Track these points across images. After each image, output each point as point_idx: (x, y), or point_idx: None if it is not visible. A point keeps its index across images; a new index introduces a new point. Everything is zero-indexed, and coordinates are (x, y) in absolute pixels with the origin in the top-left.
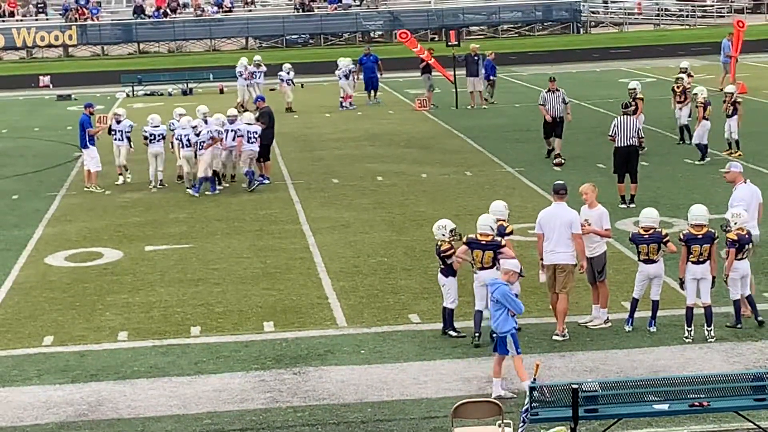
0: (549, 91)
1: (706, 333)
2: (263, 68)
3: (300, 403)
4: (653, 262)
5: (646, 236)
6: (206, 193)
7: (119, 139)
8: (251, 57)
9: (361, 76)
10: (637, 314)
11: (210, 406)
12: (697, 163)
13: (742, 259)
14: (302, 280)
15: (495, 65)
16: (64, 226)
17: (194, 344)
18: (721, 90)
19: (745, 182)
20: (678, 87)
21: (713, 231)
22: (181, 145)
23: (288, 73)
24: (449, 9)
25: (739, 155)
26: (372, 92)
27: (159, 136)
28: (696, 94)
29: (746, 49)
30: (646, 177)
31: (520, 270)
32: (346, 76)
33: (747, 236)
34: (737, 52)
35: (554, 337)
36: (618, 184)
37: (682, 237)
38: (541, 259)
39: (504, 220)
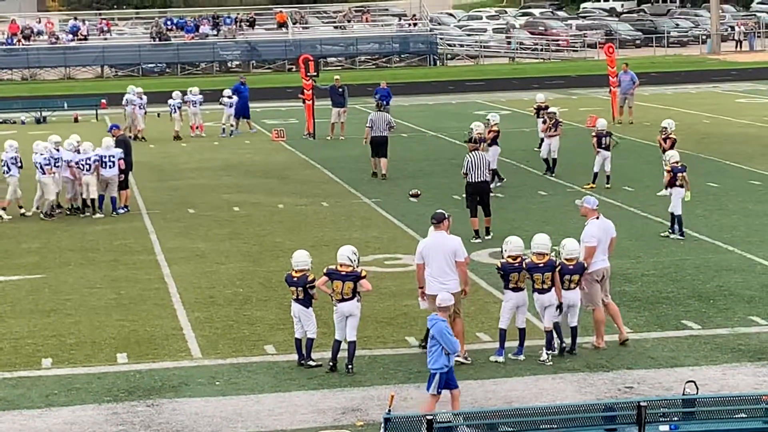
0: (378, 110)
1: (544, 356)
2: (144, 98)
3: None
4: (521, 290)
5: (516, 264)
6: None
7: None
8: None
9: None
10: (491, 345)
11: None
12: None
13: (568, 289)
14: (157, 311)
15: None
16: None
17: (45, 376)
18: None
19: (598, 218)
20: (550, 119)
21: (554, 259)
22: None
23: (177, 100)
24: (307, 40)
25: (592, 188)
26: (247, 121)
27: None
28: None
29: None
30: (500, 209)
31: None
32: (231, 105)
33: (573, 267)
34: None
35: (459, 359)
36: (471, 219)
37: (524, 266)
38: (421, 288)
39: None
